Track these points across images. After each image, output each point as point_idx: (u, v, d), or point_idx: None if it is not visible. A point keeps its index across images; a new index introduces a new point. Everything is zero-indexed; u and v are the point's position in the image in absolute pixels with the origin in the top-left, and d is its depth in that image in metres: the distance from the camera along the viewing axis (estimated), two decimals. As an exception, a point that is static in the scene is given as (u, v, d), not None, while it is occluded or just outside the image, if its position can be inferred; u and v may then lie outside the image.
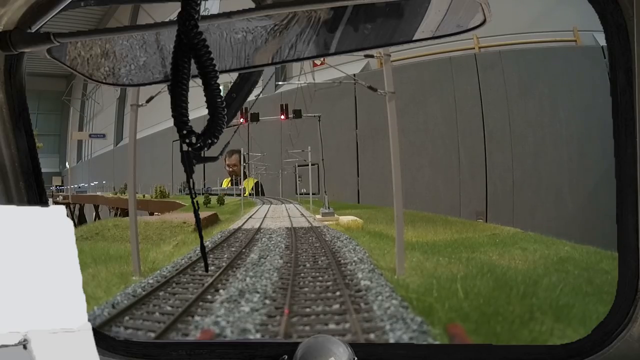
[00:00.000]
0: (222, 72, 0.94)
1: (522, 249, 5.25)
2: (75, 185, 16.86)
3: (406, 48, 6.21)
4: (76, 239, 0.71)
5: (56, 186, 16.54)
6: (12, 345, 0.62)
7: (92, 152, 17.61)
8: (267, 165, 9.89)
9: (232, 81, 1.04)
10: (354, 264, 4.60)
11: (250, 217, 7.95)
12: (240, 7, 0.83)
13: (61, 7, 0.87)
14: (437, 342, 2.97)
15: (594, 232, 5.43)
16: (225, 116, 0.74)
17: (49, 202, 1.24)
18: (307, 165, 8.69)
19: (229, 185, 10.53)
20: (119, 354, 1.21)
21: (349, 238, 5.76)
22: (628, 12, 0.90)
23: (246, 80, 1.05)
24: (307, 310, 3.54)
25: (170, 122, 0.71)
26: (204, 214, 7.47)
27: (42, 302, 0.66)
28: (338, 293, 3.81)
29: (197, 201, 0.82)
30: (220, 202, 9.47)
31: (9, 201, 1.07)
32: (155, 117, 10.40)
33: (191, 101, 0.73)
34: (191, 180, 0.79)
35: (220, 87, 0.74)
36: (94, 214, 13.86)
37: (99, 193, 14.65)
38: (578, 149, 7.26)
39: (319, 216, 7.40)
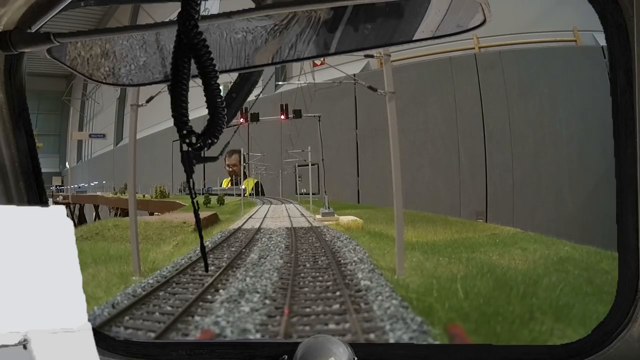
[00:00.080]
0: (222, 72, 0.94)
1: (522, 249, 5.25)
2: (75, 185, 16.86)
3: (406, 48, 6.21)
4: (76, 239, 0.71)
5: (56, 186, 16.55)
6: (12, 345, 0.62)
7: (92, 152, 17.62)
8: (267, 165, 9.89)
9: (232, 81, 1.04)
10: (354, 264, 4.60)
11: (250, 217, 7.95)
12: (240, 7, 0.83)
13: (61, 7, 0.87)
14: (437, 342, 2.97)
15: (594, 232, 5.43)
16: (225, 116, 0.74)
17: (49, 202, 1.24)
18: (307, 165, 8.69)
19: (229, 185, 10.53)
20: (119, 354, 1.21)
21: (349, 238, 5.76)
22: (628, 12, 0.90)
23: (246, 80, 1.04)
24: (307, 310, 3.54)
25: (170, 122, 0.71)
26: (204, 214, 7.47)
27: (42, 302, 0.66)
28: (338, 293, 3.81)
29: (197, 201, 0.82)
30: (220, 202, 9.47)
31: (9, 201, 1.07)
32: (155, 117, 10.40)
33: (191, 101, 0.73)
34: (191, 180, 0.79)
35: (220, 87, 0.74)
36: (94, 214, 13.87)
37: (99, 193, 14.66)
38: (578, 149, 7.26)
39: (319, 216, 7.40)
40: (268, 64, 1.04)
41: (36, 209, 0.69)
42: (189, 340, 3.15)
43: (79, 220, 13.89)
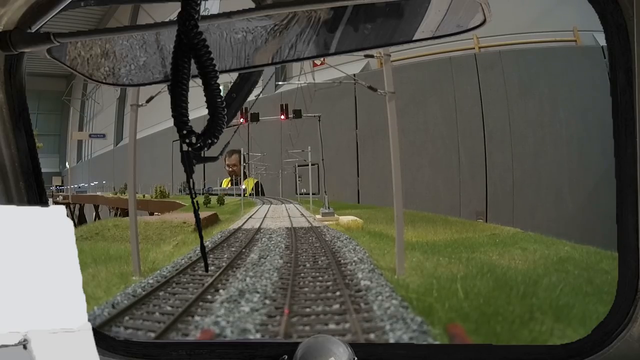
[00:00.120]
0: (222, 72, 0.94)
1: (522, 249, 5.25)
2: (75, 185, 16.86)
3: (406, 48, 6.21)
4: (76, 239, 0.71)
5: (56, 186, 16.55)
6: (12, 345, 0.62)
7: (92, 152, 17.62)
8: (267, 165, 9.89)
9: (232, 81, 1.04)
10: (354, 264, 4.60)
11: (250, 217, 7.95)
12: (240, 7, 0.83)
13: (61, 7, 0.87)
14: (437, 342, 2.97)
15: (594, 232, 5.43)
16: (225, 116, 0.74)
17: (49, 202, 1.24)
18: (307, 165, 8.69)
19: (229, 185, 10.53)
20: (119, 354, 1.21)
21: (349, 238, 5.76)
22: (628, 12, 0.90)
23: (246, 80, 1.04)
24: (307, 310, 3.54)
25: (170, 122, 0.71)
26: (204, 214, 7.47)
27: (42, 302, 0.66)
28: (338, 293, 3.81)
29: (197, 201, 0.82)
30: (220, 202, 9.47)
31: (9, 201, 1.07)
32: (155, 117, 10.40)
33: (191, 101, 0.73)
34: (191, 180, 0.79)
35: (220, 87, 0.74)
36: (94, 214, 13.86)
37: (99, 193, 14.66)
38: (578, 149, 7.26)
39: (319, 216, 7.40)
40: (268, 64, 1.04)
41: (36, 209, 0.69)
42: (189, 340, 3.15)
43: (79, 220, 13.89)
